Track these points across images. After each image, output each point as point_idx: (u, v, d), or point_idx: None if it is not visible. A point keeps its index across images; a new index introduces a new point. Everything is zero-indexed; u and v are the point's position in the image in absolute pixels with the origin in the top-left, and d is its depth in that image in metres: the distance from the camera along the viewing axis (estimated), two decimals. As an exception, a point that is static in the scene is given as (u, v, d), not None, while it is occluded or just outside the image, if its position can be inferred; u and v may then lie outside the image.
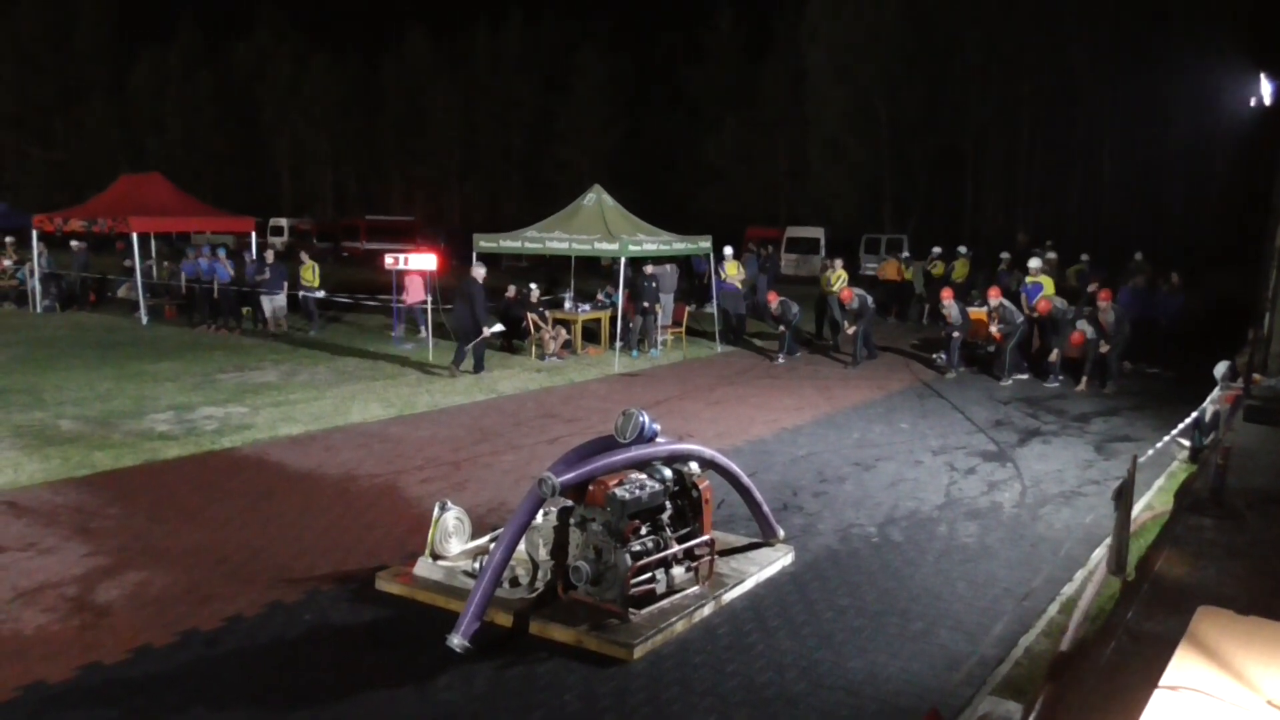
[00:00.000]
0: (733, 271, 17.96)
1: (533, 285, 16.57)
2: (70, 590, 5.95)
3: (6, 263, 23.37)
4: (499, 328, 14.53)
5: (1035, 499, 8.23)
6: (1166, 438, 9.06)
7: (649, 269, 16.18)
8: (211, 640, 5.30)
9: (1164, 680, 2.42)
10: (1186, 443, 9.38)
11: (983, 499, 8.22)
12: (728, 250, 17.85)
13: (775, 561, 6.44)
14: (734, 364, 15.70)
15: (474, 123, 57.49)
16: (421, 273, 16.47)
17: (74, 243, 22.07)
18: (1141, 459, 7.10)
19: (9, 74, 55.56)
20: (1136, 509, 7.31)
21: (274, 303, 17.69)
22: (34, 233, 20.92)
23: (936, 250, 21.39)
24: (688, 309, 17.73)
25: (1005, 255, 20.26)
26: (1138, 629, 3.32)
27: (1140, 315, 15.44)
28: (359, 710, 4.59)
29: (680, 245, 16.81)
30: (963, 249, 21.03)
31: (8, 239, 24.21)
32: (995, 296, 14.36)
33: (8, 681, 4.76)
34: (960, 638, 5.44)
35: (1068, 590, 6.14)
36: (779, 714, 4.62)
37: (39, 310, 20.80)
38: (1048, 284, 15.28)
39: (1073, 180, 40.35)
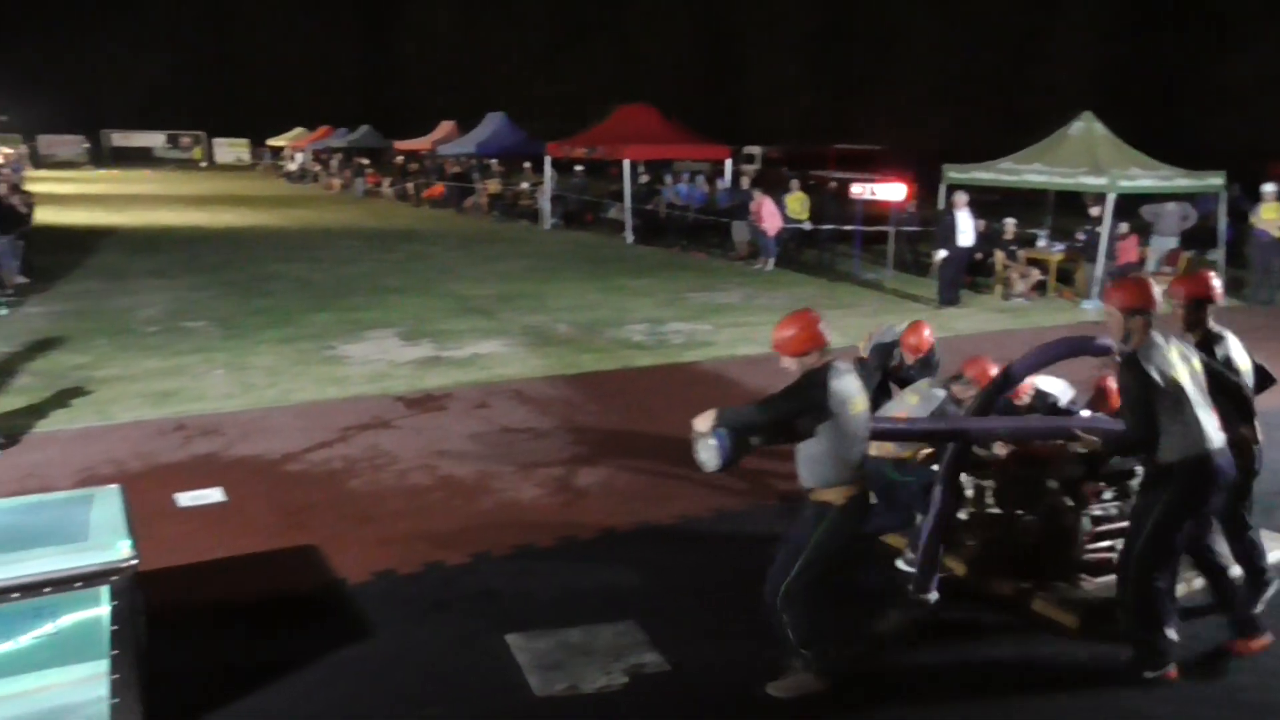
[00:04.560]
0: (1269, 215, 14.41)
1: (1007, 220, 15.48)
2: (557, 472, 6.88)
3: (525, 185, 27.12)
4: (942, 253, 13.95)
5: None
6: None
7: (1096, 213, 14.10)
8: (665, 535, 5.83)
9: None
10: None
11: None
12: (1267, 188, 14.64)
13: (1272, 551, 5.53)
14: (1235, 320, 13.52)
15: (949, 45, 54.81)
16: (885, 203, 16.29)
17: (577, 168, 24.91)
18: None
19: (536, 14, 64.09)
20: None
21: (743, 229, 18.54)
22: (546, 159, 23.97)
23: None
24: (1186, 255, 15.50)
25: None
26: None
27: None
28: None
29: (1184, 182, 14.68)
30: None
31: (525, 165, 28.04)
32: None
33: (508, 540, 5.68)
34: None
35: None
36: (1256, 725, 4.02)
37: (547, 227, 23.91)
38: None
39: None
